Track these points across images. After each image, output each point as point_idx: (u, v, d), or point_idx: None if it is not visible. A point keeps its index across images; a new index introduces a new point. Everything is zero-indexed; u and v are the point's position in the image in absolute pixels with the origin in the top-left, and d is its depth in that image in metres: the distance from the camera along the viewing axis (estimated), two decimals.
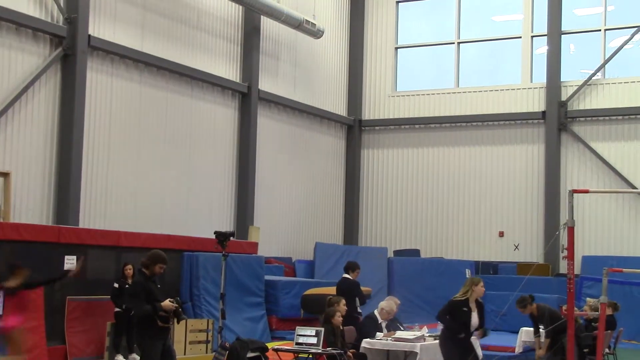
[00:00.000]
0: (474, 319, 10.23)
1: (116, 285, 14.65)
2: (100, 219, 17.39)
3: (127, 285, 14.53)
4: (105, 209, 17.59)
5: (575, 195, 9.91)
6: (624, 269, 14.00)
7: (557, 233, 10.34)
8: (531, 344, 13.35)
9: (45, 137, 16.44)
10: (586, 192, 10.72)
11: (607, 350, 13.32)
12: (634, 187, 22.02)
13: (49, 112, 16.53)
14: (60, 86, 16.70)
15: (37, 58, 16.29)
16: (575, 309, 11.26)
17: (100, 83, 17.63)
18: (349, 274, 13.96)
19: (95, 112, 17.44)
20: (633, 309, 17.84)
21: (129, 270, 14.66)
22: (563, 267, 20.99)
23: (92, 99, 17.33)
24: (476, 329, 10.37)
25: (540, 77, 24.15)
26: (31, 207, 16.03)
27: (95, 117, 17.44)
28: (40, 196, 16.25)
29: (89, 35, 16.96)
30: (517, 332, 15.32)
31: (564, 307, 10.62)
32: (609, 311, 12.99)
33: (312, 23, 22.92)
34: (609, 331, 13.17)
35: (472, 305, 10.25)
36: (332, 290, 17.23)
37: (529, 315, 12.47)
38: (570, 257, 9.44)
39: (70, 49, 16.61)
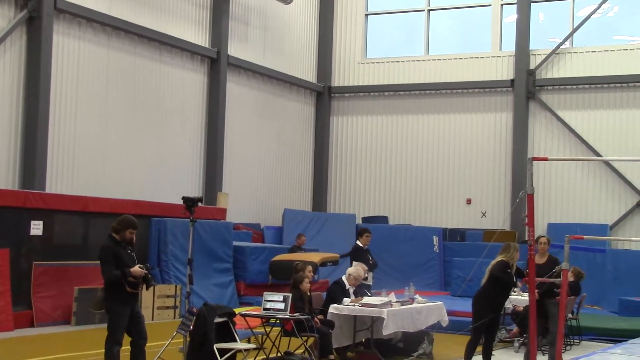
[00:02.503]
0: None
1: None
2: (67, 184, 17.25)
3: None
4: (72, 174, 17.44)
5: (542, 163, 10.06)
6: (586, 236, 14.14)
7: (517, 200, 10.47)
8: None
9: (11, 102, 16.21)
10: (545, 159, 10.79)
11: (570, 315, 13.55)
12: (600, 155, 22.26)
13: (14, 76, 16.27)
14: (26, 50, 16.43)
15: (1, 20, 15.99)
16: None
17: (67, 47, 17.38)
18: (358, 239, 14.27)
19: (62, 77, 17.22)
20: (595, 275, 18.13)
21: None
22: None
23: (59, 63, 17.09)
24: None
25: (510, 45, 24.24)
26: None
27: (62, 81, 17.22)
28: (6, 161, 16.06)
29: None
30: None
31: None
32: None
33: None
34: (572, 297, 13.40)
35: (513, 268, 10.98)
36: (300, 256, 17.34)
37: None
38: (530, 224, 9.56)
39: (35, 11, 16.32)
